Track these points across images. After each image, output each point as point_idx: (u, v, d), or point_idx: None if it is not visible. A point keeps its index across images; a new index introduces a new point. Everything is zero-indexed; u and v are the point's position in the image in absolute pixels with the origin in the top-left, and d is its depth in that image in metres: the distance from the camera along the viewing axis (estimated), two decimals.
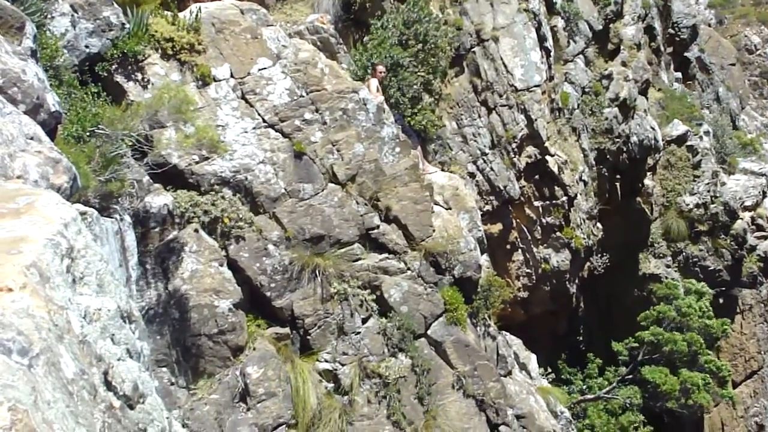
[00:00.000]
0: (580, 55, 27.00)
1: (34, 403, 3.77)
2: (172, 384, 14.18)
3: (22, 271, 4.41)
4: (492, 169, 22.73)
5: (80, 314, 4.88)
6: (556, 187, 24.21)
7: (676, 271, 31.74)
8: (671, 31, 37.50)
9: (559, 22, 26.06)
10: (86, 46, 14.43)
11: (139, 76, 15.35)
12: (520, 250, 24.47)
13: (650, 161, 30.19)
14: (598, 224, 27.10)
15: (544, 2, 25.18)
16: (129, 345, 5.43)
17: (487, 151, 22.71)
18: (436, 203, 18.92)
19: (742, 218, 33.22)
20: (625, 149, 27.86)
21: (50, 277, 4.64)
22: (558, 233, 24.70)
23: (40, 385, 3.91)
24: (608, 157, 27.31)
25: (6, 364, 3.78)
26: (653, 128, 29.13)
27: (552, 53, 24.80)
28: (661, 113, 33.16)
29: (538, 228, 24.46)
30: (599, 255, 28.80)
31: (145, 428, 5.23)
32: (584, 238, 25.63)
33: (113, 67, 15.01)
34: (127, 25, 15.12)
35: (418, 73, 21.00)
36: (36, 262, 4.57)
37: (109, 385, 4.91)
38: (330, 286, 16.09)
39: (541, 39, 23.99)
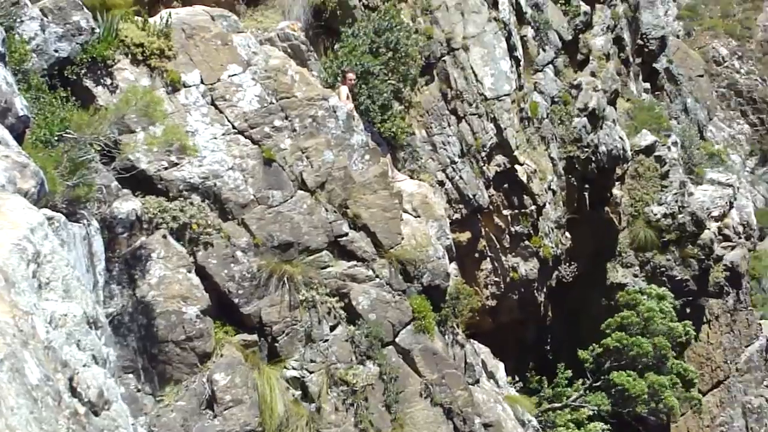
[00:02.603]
0: (550, 65, 27.08)
1: None
2: (139, 391, 14.12)
3: None
4: (461, 177, 22.76)
5: (46, 320, 4.86)
6: (525, 196, 24.28)
7: (643, 280, 31.87)
8: (640, 42, 37.72)
9: (529, 32, 26.15)
10: (55, 51, 14.38)
11: (109, 81, 15.29)
12: (488, 259, 24.52)
13: (619, 171, 30.33)
14: (567, 233, 27.19)
15: (515, 12, 25.24)
16: (95, 351, 5.40)
17: (456, 159, 22.74)
18: (405, 211, 18.96)
19: (709, 228, 33.42)
20: (593, 159, 27.97)
21: (15, 282, 4.62)
22: (526, 242, 24.77)
23: (3, 390, 3.89)
24: (577, 166, 27.41)
25: None
26: (622, 138, 29.26)
27: (522, 62, 24.88)
28: (630, 123, 33.32)
29: (507, 237, 24.52)
30: (567, 264, 28.87)
31: None
32: (553, 247, 25.72)
33: (82, 71, 14.94)
34: (97, 30, 15.06)
35: (389, 81, 21.01)
36: (1, 267, 4.55)
37: (74, 392, 4.89)
38: (298, 294, 16.07)
39: (511, 48, 24.06)
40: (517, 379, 25.41)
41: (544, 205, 24.95)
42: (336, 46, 21.03)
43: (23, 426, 3.93)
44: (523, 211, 24.38)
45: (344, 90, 19.11)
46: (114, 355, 6.40)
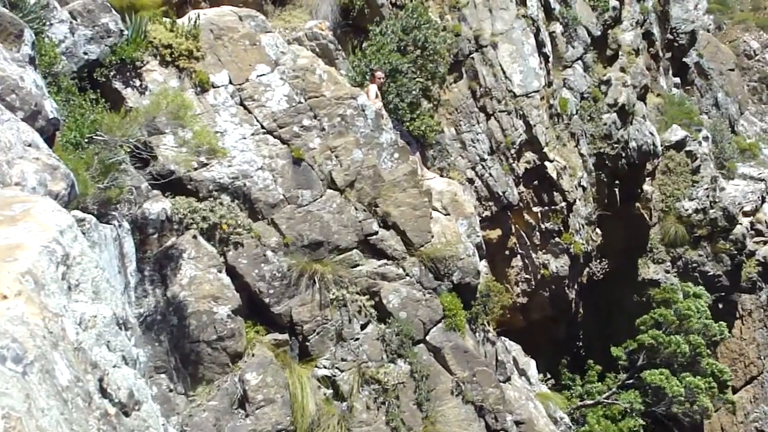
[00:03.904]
0: (579, 61, 26.97)
1: (28, 411, 3.77)
2: (171, 390, 14.17)
3: (17, 279, 4.41)
4: (491, 174, 22.73)
5: (75, 321, 4.88)
6: (555, 193, 24.20)
7: (675, 276, 31.69)
8: (670, 36, 37.47)
9: (558, 28, 26.05)
10: (85, 53, 14.45)
11: (138, 83, 15.37)
12: (519, 256, 24.47)
13: (649, 167, 30.16)
14: (597, 230, 27.09)
15: (543, 8, 25.17)
16: (125, 352, 5.42)
17: (485, 156, 22.71)
18: (435, 209, 18.93)
19: (741, 223, 33.17)
20: (623, 155, 27.85)
21: (45, 285, 4.64)
22: (557, 239, 24.69)
23: (34, 392, 3.92)
24: (607, 162, 27.30)
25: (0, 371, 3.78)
26: (652, 134, 29.09)
27: (550, 59, 24.81)
28: (660, 119, 33.14)
29: (537, 234, 24.46)
30: (598, 260, 28.76)
31: None
32: (583, 244, 25.62)
33: (112, 73, 15.02)
34: (126, 32, 15.13)
35: (417, 79, 21.00)
36: (31, 270, 4.58)
37: (104, 393, 4.91)
38: (328, 293, 16.09)
39: (540, 45, 24.00)
40: (548, 376, 25.31)
41: (575, 201, 24.86)
42: (364, 45, 21.03)
43: (54, 427, 3.96)
44: (553, 207, 24.31)
45: (373, 88, 19.11)
46: (144, 356, 6.44)
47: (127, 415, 5.15)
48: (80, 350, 4.75)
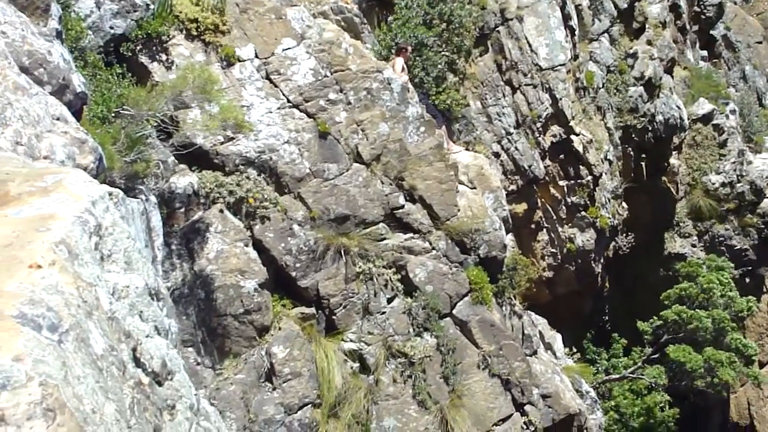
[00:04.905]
0: (605, 34, 26.75)
1: (65, 378, 3.79)
2: (198, 364, 14.25)
3: (51, 248, 4.43)
4: (517, 148, 22.64)
5: (109, 291, 4.91)
6: (581, 167, 24.08)
7: (702, 250, 31.47)
8: (697, 8, 37.11)
9: (584, 1, 25.83)
10: (111, 27, 14.47)
11: (164, 57, 15.39)
12: (545, 230, 24.40)
13: (676, 140, 29.94)
14: (624, 203, 26.96)
15: None
16: (157, 322, 5.45)
17: (511, 130, 22.61)
18: (461, 183, 18.89)
19: None
20: (650, 128, 27.66)
21: (79, 254, 4.66)
22: (583, 213, 24.58)
23: (69, 360, 3.94)
24: (633, 136, 27.13)
25: (36, 339, 3.80)
26: (679, 107, 28.87)
27: (577, 32, 24.63)
28: (687, 92, 32.84)
29: (563, 207, 24.37)
30: (624, 234, 28.65)
31: (173, 404, 5.26)
32: (609, 218, 25.50)
33: (138, 47, 15.05)
34: (152, 6, 15.15)
35: (443, 53, 20.92)
36: (64, 239, 4.59)
37: (137, 362, 4.94)
38: (355, 266, 16.11)
39: (566, 18, 23.82)
40: (574, 350, 25.29)
41: (601, 175, 24.73)
42: (389, 19, 20.95)
43: (90, 395, 3.98)
44: (579, 181, 24.19)
45: (399, 62, 19.05)
46: (176, 327, 6.47)
47: (160, 384, 5.18)
48: (114, 320, 4.77)
